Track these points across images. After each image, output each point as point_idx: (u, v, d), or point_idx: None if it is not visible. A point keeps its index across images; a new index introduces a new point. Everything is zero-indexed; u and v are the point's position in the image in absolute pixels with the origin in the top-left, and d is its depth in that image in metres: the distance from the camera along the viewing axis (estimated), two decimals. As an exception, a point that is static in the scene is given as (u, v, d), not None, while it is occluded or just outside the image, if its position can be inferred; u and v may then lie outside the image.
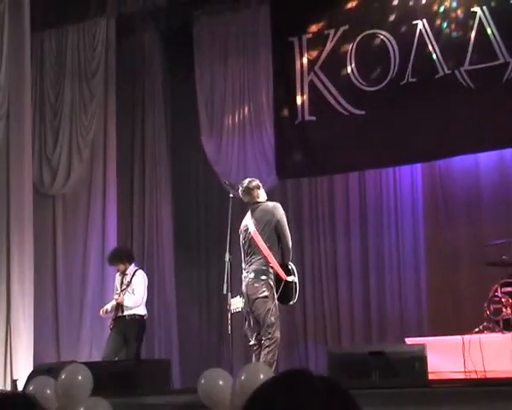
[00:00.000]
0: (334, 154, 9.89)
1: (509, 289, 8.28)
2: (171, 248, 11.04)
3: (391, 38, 9.62)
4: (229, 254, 7.56)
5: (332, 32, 9.99)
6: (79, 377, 4.77)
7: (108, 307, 8.98)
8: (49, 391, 4.79)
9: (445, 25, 9.37)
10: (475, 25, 9.13)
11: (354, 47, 9.83)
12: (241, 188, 7.67)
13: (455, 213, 9.86)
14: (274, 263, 7.34)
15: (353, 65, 9.83)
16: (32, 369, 8.43)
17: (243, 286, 7.44)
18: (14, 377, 9.12)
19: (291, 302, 7.49)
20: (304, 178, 10.62)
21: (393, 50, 9.59)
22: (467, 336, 7.94)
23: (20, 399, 2.15)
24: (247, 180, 7.75)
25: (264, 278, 7.32)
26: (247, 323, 7.41)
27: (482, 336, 7.96)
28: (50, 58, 11.08)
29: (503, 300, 8.18)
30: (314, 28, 10.14)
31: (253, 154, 10.42)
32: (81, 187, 10.95)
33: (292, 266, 7.42)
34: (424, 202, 10.06)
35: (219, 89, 10.67)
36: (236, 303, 7.53)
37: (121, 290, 8.92)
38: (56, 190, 10.93)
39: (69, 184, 10.88)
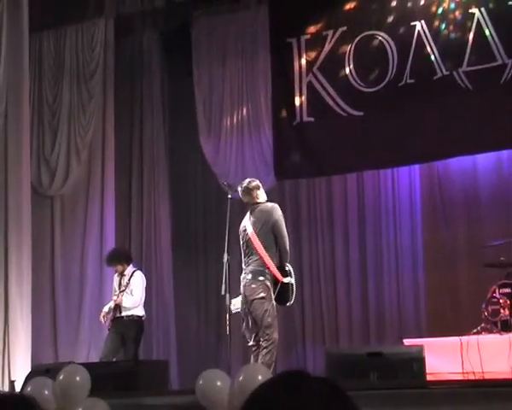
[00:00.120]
0: (333, 155, 9.89)
1: (507, 290, 8.29)
2: (170, 249, 11.03)
3: (389, 40, 9.63)
4: (228, 255, 7.56)
5: (330, 33, 10.00)
6: (77, 378, 4.76)
7: (106, 308, 8.98)
8: (46, 392, 4.78)
9: (443, 26, 9.38)
10: (473, 26, 9.14)
11: (352, 48, 9.83)
12: (240, 188, 7.67)
13: (453, 214, 9.87)
14: (270, 264, 7.33)
15: (352, 66, 9.84)
16: (29, 370, 8.42)
17: (241, 287, 7.45)
18: (12, 378, 9.10)
19: (288, 303, 7.48)
20: (302, 178, 10.62)
21: (392, 52, 9.59)
22: (465, 338, 7.95)
23: (19, 400, 2.15)
24: (246, 180, 7.75)
25: (261, 279, 7.32)
26: (244, 324, 7.41)
27: (480, 337, 7.96)
28: (49, 59, 11.07)
29: (500, 301, 8.18)
30: (312, 29, 10.15)
31: (251, 155, 10.42)
32: (79, 188, 10.95)
33: (289, 267, 7.42)
34: (422, 203, 10.06)
35: (218, 89, 10.66)
36: (237, 303, 7.54)
37: (120, 291, 8.92)
38: (54, 191, 10.92)
39: (67, 184, 10.88)
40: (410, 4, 9.59)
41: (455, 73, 9.19)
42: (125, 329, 8.85)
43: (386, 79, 9.59)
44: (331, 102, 9.91)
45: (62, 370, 4.89)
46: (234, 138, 10.52)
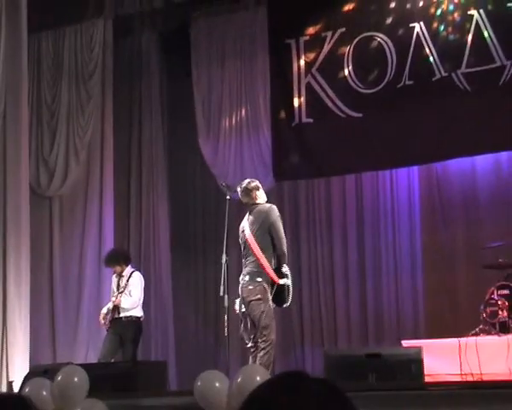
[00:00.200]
0: (331, 156, 9.89)
1: (505, 291, 8.29)
2: (168, 250, 11.03)
3: (388, 41, 9.63)
4: (226, 256, 7.55)
5: (329, 34, 10.00)
6: (75, 379, 4.76)
7: (105, 310, 8.97)
8: (45, 393, 4.78)
9: (441, 28, 9.38)
10: (472, 28, 9.14)
11: (351, 49, 9.84)
12: (239, 188, 7.66)
13: (451, 215, 9.87)
14: (266, 266, 7.31)
15: (350, 67, 9.84)
16: (27, 370, 8.41)
17: (239, 288, 7.45)
18: (10, 379, 9.09)
19: (284, 305, 7.46)
20: (301, 180, 10.62)
21: (390, 53, 9.60)
22: (463, 339, 7.95)
23: (16, 400, 2.15)
24: (246, 181, 7.74)
25: (259, 280, 7.31)
26: (243, 325, 7.41)
27: (478, 338, 7.97)
28: (47, 59, 11.07)
29: (499, 302, 8.19)
30: (311, 30, 10.15)
31: (249, 156, 10.42)
32: (78, 188, 10.94)
33: (286, 268, 7.38)
34: (421, 204, 10.07)
35: (216, 90, 10.66)
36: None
37: (118, 292, 8.91)
38: (53, 192, 10.91)
39: (66, 185, 10.87)
40: (408, 6, 9.59)
41: (453, 74, 9.19)
42: (124, 330, 8.85)
43: (385, 81, 9.59)
44: (330, 104, 9.91)
45: (60, 371, 4.89)
46: (233, 139, 10.52)
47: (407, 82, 9.46)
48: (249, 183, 7.67)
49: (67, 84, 10.91)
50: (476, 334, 8.11)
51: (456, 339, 8.01)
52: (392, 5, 9.69)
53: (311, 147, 10.05)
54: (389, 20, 9.70)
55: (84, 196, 10.90)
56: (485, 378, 7.48)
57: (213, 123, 10.66)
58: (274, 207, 7.62)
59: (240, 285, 7.43)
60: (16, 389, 8.14)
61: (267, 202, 7.76)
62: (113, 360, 8.71)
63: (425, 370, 6.24)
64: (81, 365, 5.91)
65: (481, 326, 8.22)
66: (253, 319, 7.29)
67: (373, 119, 9.63)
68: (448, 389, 5.90)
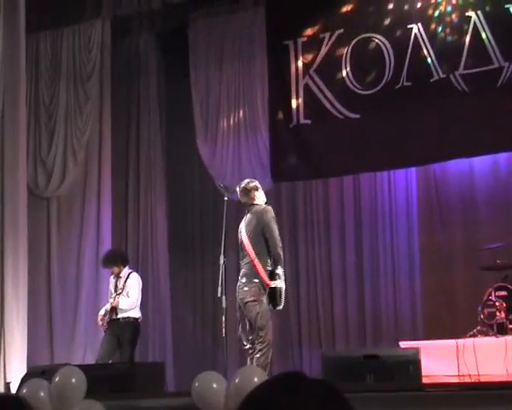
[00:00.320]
0: (329, 157, 9.90)
1: (503, 293, 8.30)
2: (166, 251, 11.03)
3: (386, 42, 9.64)
4: (224, 257, 7.55)
5: (327, 35, 10.00)
6: (73, 380, 4.75)
7: (102, 311, 8.97)
8: (42, 394, 4.77)
9: (439, 29, 9.39)
10: (470, 29, 9.15)
11: (349, 51, 9.84)
12: (238, 188, 7.65)
13: (449, 216, 9.88)
14: (259, 267, 7.29)
15: (348, 68, 9.84)
16: (25, 372, 8.41)
17: (236, 289, 7.45)
18: (8, 380, 9.09)
19: (277, 308, 7.41)
20: (299, 181, 10.62)
21: (388, 54, 9.60)
22: (461, 340, 7.96)
23: (13, 401, 2.15)
24: (245, 181, 7.73)
25: (255, 281, 7.31)
26: (240, 327, 7.41)
27: (476, 339, 7.97)
28: (45, 60, 11.06)
29: (496, 304, 8.19)
30: (309, 32, 10.15)
31: (247, 157, 10.42)
32: (76, 189, 10.93)
33: (279, 270, 7.32)
34: (419, 205, 10.07)
35: (214, 92, 10.66)
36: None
37: (116, 294, 8.91)
38: (51, 192, 10.91)
39: (64, 186, 10.86)
40: (406, 7, 9.60)
41: (451, 75, 9.20)
42: (121, 331, 8.85)
43: (383, 82, 9.59)
44: (328, 105, 9.92)
45: (58, 372, 4.88)
46: (231, 140, 10.52)
47: (405, 83, 9.47)
48: (248, 183, 7.66)
49: (65, 85, 10.90)
50: (474, 335, 8.12)
51: (453, 340, 8.01)
52: (390, 6, 9.70)
53: (309, 148, 10.05)
54: (387, 22, 9.70)
55: (81, 197, 10.89)
56: (483, 379, 7.49)
57: (211, 124, 10.66)
58: (269, 208, 7.59)
59: (237, 287, 7.44)
60: (14, 390, 8.14)
61: (266, 203, 7.75)
62: (110, 361, 8.71)
63: (423, 371, 6.24)
64: (79, 366, 5.90)
65: (479, 327, 8.23)
66: (249, 321, 7.29)
67: (371, 120, 9.63)
68: (446, 390, 5.90)
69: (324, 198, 10.63)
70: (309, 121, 10.08)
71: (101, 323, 8.95)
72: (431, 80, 9.33)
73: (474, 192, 9.74)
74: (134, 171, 11.17)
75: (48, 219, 10.92)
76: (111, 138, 10.90)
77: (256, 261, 7.30)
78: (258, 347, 7.19)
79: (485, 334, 8.16)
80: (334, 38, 9.96)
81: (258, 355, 7.17)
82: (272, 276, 7.31)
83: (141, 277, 9.30)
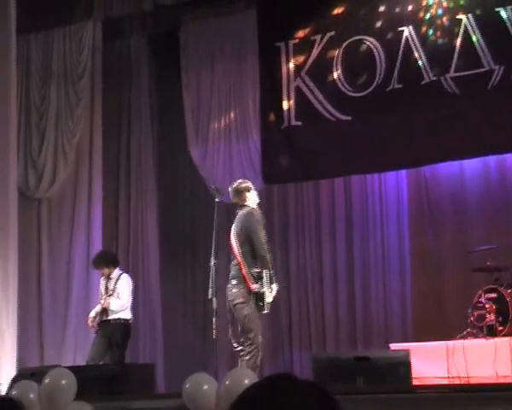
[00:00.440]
0: (321, 159, 9.91)
1: (492, 295, 8.32)
2: (157, 253, 11.01)
3: (377, 45, 9.66)
4: (215, 259, 7.55)
5: (318, 37, 10.02)
6: (63, 382, 4.75)
7: (93, 313, 8.95)
8: (32, 396, 4.76)
9: (430, 32, 9.41)
10: (461, 32, 9.18)
11: (340, 53, 9.86)
12: (230, 188, 7.64)
13: (440, 218, 9.90)
14: (244, 270, 7.28)
15: (339, 71, 9.86)
16: (15, 373, 8.38)
17: (226, 291, 7.44)
18: (-3, 382, 9.07)
19: (262, 312, 7.34)
20: (290, 183, 10.63)
21: (379, 57, 9.62)
22: (450, 342, 7.98)
23: (7, 402, 2.15)
24: (238, 181, 7.72)
25: (243, 283, 7.31)
26: (231, 329, 7.40)
27: (466, 341, 7.99)
28: (36, 61, 11.03)
29: (486, 306, 8.21)
30: (301, 34, 10.16)
31: (239, 159, 10.42)
32: (66, 191, 10.90)
33: (264, 274, 7.26)
34: (409, 207, 10.08)
35: (206, 94, 10.66)
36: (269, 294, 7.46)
37: (107, 295, 8.89)
38: (41, 194, 10.88)
39: (54, 187, 10.83)
40: (398, 10, 9.62)
41: (442, 78, 9.23)
42: (112, 332, 8.83)
43: (374, 84, 9.61)
44: (319, 107, 9.93)
45: (48, 373, 4.88)
46: (222, 142, 10.52)
47: (396, 86, 9.49)
48: (240, 183, 7.64)
49: (56, 87, 10.87)
50: (464, 337, 8.13)
51: (443, 342, 8.03)
52: (382, 9, 9.72)
53: (300, 150, 10.06)
54: (378, 24, 9.72)
55: (72, 199, 10.87)
56: (473, 381, 7.50)
57: (203, 126, 10.65)
58: (255, 210, 7.53)
59: (226, 289, 7.44)
60: (3, 391, 8.11)
61: (258, 204, 7.73)
62: (101, 363, 8.69)
63: (413, 373, 6.26)
64: (69, 367, 5.89)
65: (469, 330, 8.24)
66: (238, 322, 7.29)
67: (362, 122, 9.65)
68: (435, 391, 5.92)
69: (315, 200, 10.64)
70: (300, 123, 10.09)
71: (91, 324, 8.94)
72: (422, 83, 9.35)
73: (465, 194, 9.76)
74: (125, 173, 11.16)
75: (38, 221, 10.88)
76: (102, 140, 10.88)
77: (242, 264, 7.29)
78: (247, 349, 7.19)
79: (475, 336, 8.18)
80: (325, 40, 9.98)
81: (247, 357, 7.17)
82: (258, 279, 7.29)
83: (131, 278, 9.29)
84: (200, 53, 10.70)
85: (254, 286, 7.22)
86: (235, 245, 7.41)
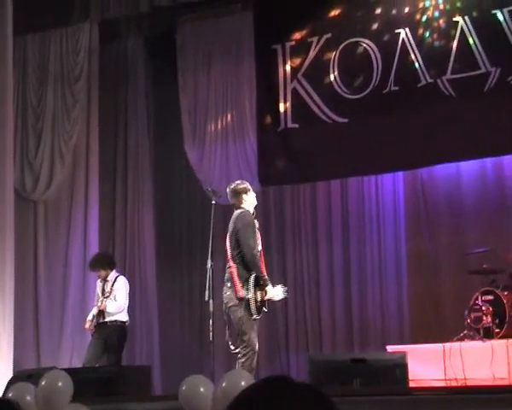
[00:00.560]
0: (317, 161, 9.91)
1: (489, 297, 8.32)
2: (153, 255, 11.01)
3: (374, 47, 9.66)
4: (211, 261, 7.54)
5: (315, 39, 10.02)
6: (59, 384, 4.74)
7: (90, 316, 8.94)
8: (28, 397, 4.76)
9: (427, 34, 9.42)
10: (457, 34, 9.19)
11: (337, 55, 9.86)
12: (228, 189, 7.62)
13: (436, 221, 9.90)
14: (234, 274, 7.25)
15: (336, 73, 9.86)
16: (11, 375, 8.37)
17: (222, 294, 7.43)
18: (-6, 384, 9.05)
19: (252, 318, 7.22)
20: (286, 185, 10.63)
21: (376, 59, 9.63)
22: (447, 344, 7.98)
23: (4, 404, 2.14)
24: (236, 182, 7.69)
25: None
26: (228, 331, 7.39)
27: (463, 344, 8.00)
28: (33, 63, 11.02)
29: (483, 308, 8.22)
30: (297, 36, 10.17)
31: (235, 161, 10.43)
32: (63, 193, 10.90)
33: (250, 279, 7.19)
34: (406, 209, 10.09)
35: (202, 96, 10.66)
36: (276, 292, 7.44)
37: (103, 297, 8.88)
38: (38, 196, 10.87)
39: (51, 189, 10.82)
40: (394, 12, 9.63)
41: (439, 80, 9.24)
42: (109, 334, 8.82)
43: (371, 86, 9.62)
44: (316, 109, 9.93)
45: (44, 375, 4.88)
46: (218, 144, 10.52)
47: (392, 88, 9.50)
48: (238, 185, 7.60)
49: (53, 88, 10.87)
50: (460, 339, 8.14)
51: (440, 344, 8.04)
52: (378, 11, 9.73)
53: (296, 152, 10.06)
54: (375, 26, 9.73)
55: (69, 201, 10.86)
56: (469, 383, 7.51)
57: (199, 128, 10.66)
58: (244, 213, 7.44)
59: (222, 291, 7.43)
60: (0, 393, 8.10)
61: (255, 207, 7.70)
62: (97, 365, 8.68)
63: (409, 375, 6.26)
64: (65, 369, 5.88)
65: (465, 332, 8.25)
66: (234, 325, 7.28)
67: (358, 124, 9.65)
68: (432, 394, 5.92)
69: (312, 202, 10.64)
70: (297, 125, 10.09)
71: (88, 327, 8.93)
72: (418, 85, 9.36)
73: (461, 197, 9.77)
74: (121, 175, 11.15)
75: (35, 223, 10.87)
76: (98, 142, 10.88)
77: (233, 267, 7.28)
78: (243, 351, 7.17)
79: (472, 338, 8.19)
80: (322, 42, 9.98)
81: (242, 360, 7.16)
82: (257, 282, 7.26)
83: (128, 281, 9.28)
84: (196, 55, 10.70)
85: (240, 293, 7.17)
86: (228, 247, 7.41)
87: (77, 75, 10.83)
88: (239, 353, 7.27)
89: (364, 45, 9.72)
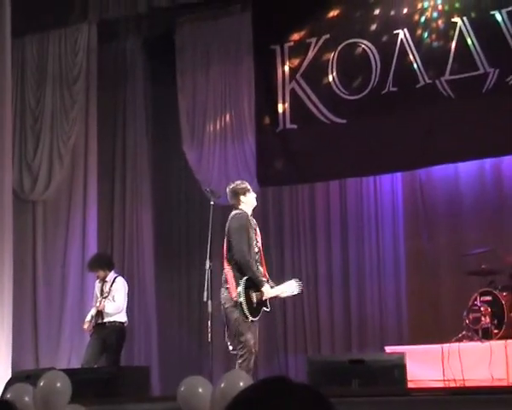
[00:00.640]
0: (316, 162, 9.91)
1: (488, 298, 8.32)
2: (152, 256, 11.01)
3: (372, 48, 9.66)
4: (210, 262, 7.53)
5: (314, 40, 10.02)
6: (58, 385, 4.74)
7: (89, 317, 8.94)
8: (27, 398, 4.75)
9: (425, 35, 9.42)
10: (456, 35, 9.19)
11: (336, 56, 9.87)
12: (228, 189, 7.61)
13: (435, 221, 9.90)
14: (229, 276, 7.25)
15: (335, 73, 9.87)
16: (10, 376, 8.36)
17: (220, 294, 7.43)
18: (-8, 385, 9.04)
19: (246, 321, 7.19)
20: (285, 186, 10.63)
21: (375, 59, 9.63)
22: (446, 345, 7.98)
23: (2, 405, 2.15)
24: (236, 182, 7.67)
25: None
26: (227, 332, 7.39)
27: (461, 344, 8.00)
28: (31, 64, 11.02)
29: (482, 309, 8.21)
30: (296, 36, 10.17)
31: (234, 162, 10.43)
32: (61, 193, 10.90)
33: (241, 283, 7.17)
34: (404, 210, 10.09)
35: (201, 96, 10.67)
36: (288, 288, 7.42)
37: (102, 298, 8.88)
38: (37, 196, 10.86)
39: (49, 190, 10.82)
40: (393, 13, 9.63)
41: (437, 81, 9.24)
42: (107, 335, 8.82)
43: (369, 87, 9.62)
44: (314, 110, 9.93)
45: (43, 376, 4.87)
46: (217, 145, 10.53)
47: (391, 89, 9.50)
48: (237, 185, 7.57)
49: (51, 89, 10.86)
50: (459, 340, 8.14)
51: (439, 345, 8.04)
52: (377, 12, 9.73)
53: (295, 153, 10.06)
54: (373, 27, 9.73)
55: (67, 202, 10.86)
56: (468, 384, 7.51)
57: (198, 129, 10.66)
58: (240, 215, 7.40)
59: (220, 292, 7.43)
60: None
61: (254, 208, 7.69)
62: (96, 366, 8.68)
63: (408, 376, 6.26)
64: (64, 370, 5.88)
65: (464, 332, 8.24)
66: (231, 326, 7.28)
67: (357, 125, 9.65)
68: (431, 394, 5.92)
69: (310, 203, 10.64)
70: (295, 126, 10.10)
71: (87, 328, 8.92)
72: (417, 86, 9.36)
73: (460, 197, 9.77)
74: (120, 175, 11.15)
75: (33, 224, 10.87)
76: (97, 143, 10.88)
77: (228, 269, 7.28)
78: (239, 352, 7.17)
79: (471, 339, 8.18)
80: (320, 42, 9.98)
81: (239, 361, 7.16)
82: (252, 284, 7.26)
83: (126, 281, 9.28)
84: (195, 56, 10.71)
85: (234, 295, 7.18)
86: (224, 249, 7.41)
87: (75, 76, 10.83)
88: (237, 354, 7.27)
89: (363, 46, 9.73)
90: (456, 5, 9.28)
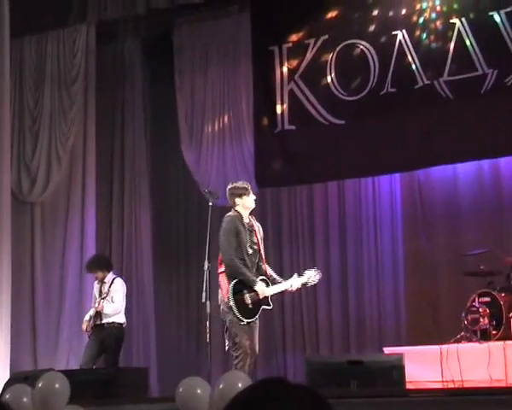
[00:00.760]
0: (314, 163, 9.91)
1: (486, 299, 8.33)
2: (150, 257, 11.00)
3: (371, 48, 9.67)
4: (208, 263, 7.53)
5: (312, 41, 10.03)
6: (56, 386, 4.73)
7: (87, 317, 8.94)
8: (25, 399, 4.75)
9: (424, 36, 9.43)
10: (454, 36, 9.20)
11: (334, 57, 9.87)
12: (227, 188, 7.59)
13: (433, 222, 9.90)
14: (221, 278, 7.26)
15: (333, 74, 9.87)
16: (8, 377, 8.36)
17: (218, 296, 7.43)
18: (-9, 386, 9.03)
19: (240, 324, 7.17)
20: (283, 187, 10.63)
21: (373, 60, 9.63)
22: (444, 346, 7.98)
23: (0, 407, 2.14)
24: (237, 183, 7.65)
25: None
26: (227, 333, 7.38)
27: (460, 345, 8.00)
28: (30, 64, 11.02)
29: (480, 310, 8.22)
30: (294, 37, 10.17)
31: (232, 163, 10.43)
32: (60, 194, 10.89)
33: (230, 286, 7.15)
34: (403, 211, 10.09)
35: (199, 97, 10.67)
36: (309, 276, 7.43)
37: (100, 299, 8.88)
38: (35, 197, 10.86)
39: (48, 191, 10.82)
40: (391, 14, 9.63)
41: (436, 82, 9.24)
42: (106, 336, 8.82)
43: (368, 88, 9.62)
44: (312, 111, 9.93)
45: (41, 377, 4.86)
46: (215, 146, 10.53)
47: (389, 89, 9.50)
48: (235, 186, 7.52)
49: (50, 90, 10.86)
50: (457, 341, 8.14)
51: (437, 346, 8.04)
52: (375, 13, 9.73)
53: (293, 154, 10.06)
54: (372, 28, 9.73)
55: (65, 203, 10.85)
56: (466, 385, 7.51)
57: (196, 130, 10.66)
58: (230, 217, 7.37)
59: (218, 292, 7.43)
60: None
61: (252, 210, 7.67)
62: (94, 367, 8.68)
63: (406, 377, 6.26)
64: (62, 371, 5.88)
65: (462, 333, 8.25)
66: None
67: (355, 126, 9.66)
68: (429, 395, 5.92)
69: (309, 204, 10.64)
70: (293, 127, 10.09)
71: (85, 328, 8.92)
72: (415, 87, 9.37)
73: (458, 198, 9.77)
74: (118, 176, 11.15)
75: (31, 225, 10.86)
76: (95, 144, 10.87)
77: (222, 271, 7.28)
78: (234, 353, 7.16)
79: (469, 340, 8.19)
80: (319, 43, 9.99)
81: (235, 362, 7.16)
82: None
83: (125, 282, 9.28)
84: (193, 56, 10.71)
85: (226, 297, 7.17)
86: (219, 251, 7.42)
87: (74, 77, 10.83)
88: (232, 354, 7.27)
89: (361, 47, 9.73)
90: (455, 6, 9.28)
